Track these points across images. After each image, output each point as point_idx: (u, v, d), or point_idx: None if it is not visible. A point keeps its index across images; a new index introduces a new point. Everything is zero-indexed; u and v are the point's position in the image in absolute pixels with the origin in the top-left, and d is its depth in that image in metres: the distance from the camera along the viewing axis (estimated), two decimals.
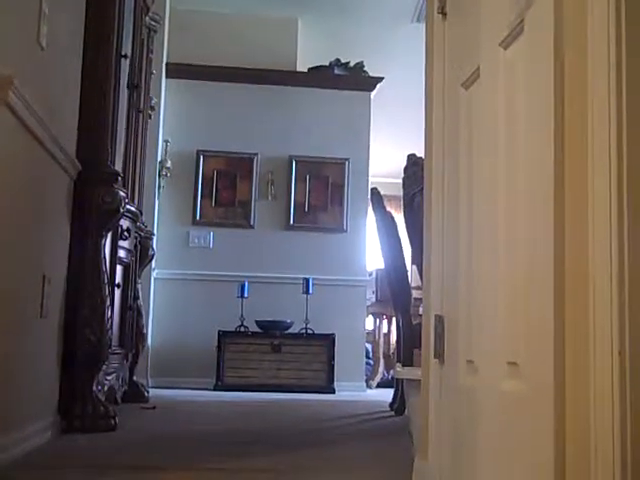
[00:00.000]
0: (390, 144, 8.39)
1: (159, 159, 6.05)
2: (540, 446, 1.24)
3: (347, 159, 6.57)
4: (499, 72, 1.55)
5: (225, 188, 6.44)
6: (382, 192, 4.29)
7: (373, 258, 6.83)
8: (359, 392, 6.13)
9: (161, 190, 6.17)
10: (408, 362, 3.69)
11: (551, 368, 1.22)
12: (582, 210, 1.16)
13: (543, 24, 1.32)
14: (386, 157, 8.58)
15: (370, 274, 6.87)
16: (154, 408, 4.11)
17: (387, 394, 4.89)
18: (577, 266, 1.18)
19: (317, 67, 6.76)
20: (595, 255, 1.11)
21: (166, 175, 6.18)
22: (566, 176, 1.24)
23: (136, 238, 4.29)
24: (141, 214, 4.41)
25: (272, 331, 6.01)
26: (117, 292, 3.75)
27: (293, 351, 5.98)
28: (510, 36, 1.49)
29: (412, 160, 3.60)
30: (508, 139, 1.49)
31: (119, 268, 3.78)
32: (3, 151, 2.20)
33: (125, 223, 3.75)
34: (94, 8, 3.24)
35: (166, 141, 6.21)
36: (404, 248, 4.03)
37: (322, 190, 6.54)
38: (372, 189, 4.31)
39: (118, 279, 3.74)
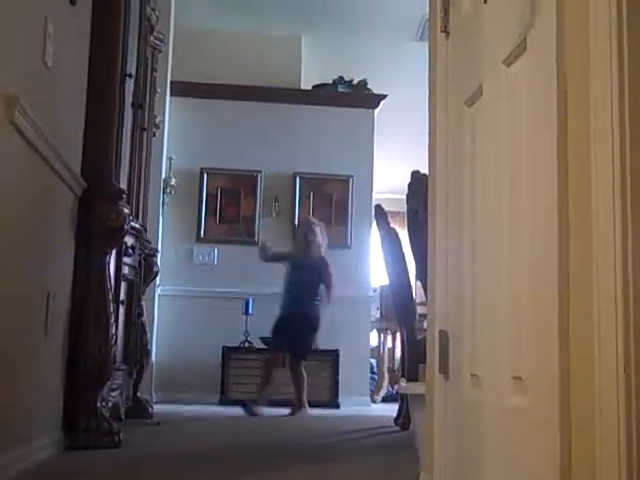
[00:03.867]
0: (394, 161, 8.39)
1: (163, 176, 6.07)
2: (545, 461, 1.24)
3: (351, 176, 6.58)
4: (502, 89, 1.57)
5: (229, 205, 6.45)
6: (386, 208, 4.29)
7: (377, 274, 6.82)
8: (364, 407, 6.09)
9: (165, 207, 6.18)
10: (413, 377, 3.67)
11: (556, 382, 1.22)
12: (586, 227, 1.16)
13: (546, 41, 1.34)
14: (390, 174, 8.58)
15: (374, 290, 6.86)
16: (158, 424, 4.10)
17: (392, 409, 4.87)
18: (581, 280, 1.19)
19: (321, 85, 6.79)
20: (599, 270, 1.12)
21: (170, 192, 6.20)
22: (570, 193, 1.25)
23: (140, 255, 4.30)
24: (145, 231, 4.42)
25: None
26: (121, 309, 3.75)
27: None
28: (513, 54, 1.50)
29: (416, 176, 3.60)
30: (511, 156, 1.50)
31: (123, 285, 3.79)
32: (9, 169, 2.22)
33: (129, 240, 3.76)
34: (99, 28, 3.27)
35: (170, 159, 6.23)
36: (408, 264, 4.03)
37: (326, 207, 6.54)
38: (376, 206, 4.30)
39: (122, 296, 3.74)
